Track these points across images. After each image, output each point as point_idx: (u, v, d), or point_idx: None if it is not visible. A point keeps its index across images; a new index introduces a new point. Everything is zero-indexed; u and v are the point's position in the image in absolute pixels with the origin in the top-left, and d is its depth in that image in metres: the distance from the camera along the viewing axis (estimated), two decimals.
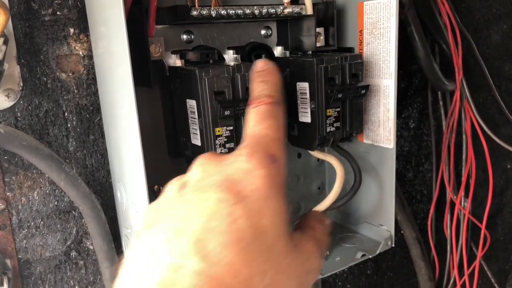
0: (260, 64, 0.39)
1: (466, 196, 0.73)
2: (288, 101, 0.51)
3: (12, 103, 0.44)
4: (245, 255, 0.24)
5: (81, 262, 0.50)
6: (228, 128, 0.43)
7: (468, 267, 0.75)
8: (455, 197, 0.72)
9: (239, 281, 0.23)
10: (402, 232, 0.74)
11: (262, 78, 0.38)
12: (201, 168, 0.28)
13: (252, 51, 0.53)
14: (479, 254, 0.73)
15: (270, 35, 0.55)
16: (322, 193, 0.64)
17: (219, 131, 0.43)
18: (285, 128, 0.33)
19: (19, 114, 0.45)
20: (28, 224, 0.47)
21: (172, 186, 0.29)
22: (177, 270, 0.23)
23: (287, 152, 0.58)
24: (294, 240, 0.28)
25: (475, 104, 0.71)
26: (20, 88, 0.44)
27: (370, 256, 0.55)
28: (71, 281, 0.50)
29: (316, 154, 0.54)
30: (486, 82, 0.75)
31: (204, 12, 0.46)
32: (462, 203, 0.74)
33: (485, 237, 0.73)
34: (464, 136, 0.71)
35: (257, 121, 0.32)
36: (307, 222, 0.34)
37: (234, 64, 0.44)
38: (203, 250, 0.23)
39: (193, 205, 0.26)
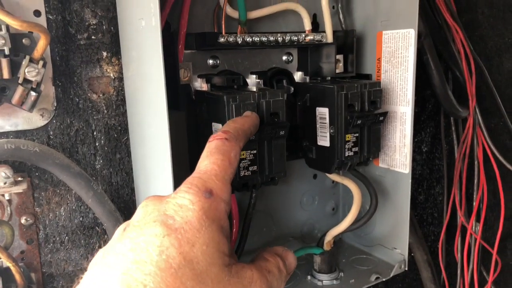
0: (245, 113, 0.43)
1: (478, 220, 0.74)
2: (307, 125, 0.53)
3: (45, 122, 0.46)
4: (172, 281, 0.27)
5: None
6: (252, 152, 0.44)
7: None
8: (466, 221, 0.72)
9: None
10: (413, 254, 0.75)
11: (233, 119, 0.41)
12: (143, 209, 0.31)
13: (273, 76, 0.55)
14: (490, 278, 0.74)
15: (291, 61, 0.57)
16: (336, 214, 0.65)
17: (243, 154, 0.44)
18: (236, 164, 0.34)
19: (51, 132, 0.46)
20: (54, 239, 0.49)
21: (119, 229, 0.32)
22: None
23: (304, 173, 0.60)
24: (234, 269, 0.30)
25: (486, 130, 0.72)
26: (54, 108, 0.46)
27: (384, 279, 0.56)
28: None
29: (334, 177, 0.55)
30: (497, 108, 0.77)
31: (231, 39, 0.48)
32: (474, 228, 0.74)
33: (497, 262, 0.73)
34: (476, 162, 0.72)
35: (206, 155, 0.34)
36: (261, 255, 0.36)
37: (259, 90, 0.46)
38: (128, 280, 0.26)
39: (129, 241, 0.28)
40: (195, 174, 0.32)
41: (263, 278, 0.33)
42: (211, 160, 0.33)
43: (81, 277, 0.29)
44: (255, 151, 0.45)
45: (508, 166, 0.68)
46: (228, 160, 0.33)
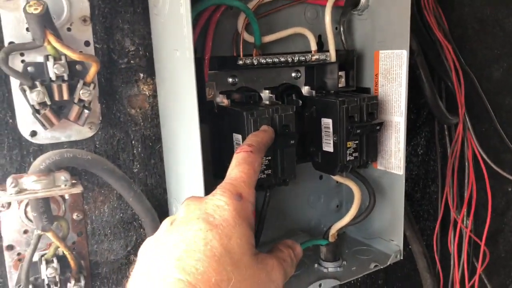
0: (263, 127, 0.50)
1: (468, 215, 0.82)
2: (314, 133, 0.61)
3: (93, 133, 0.55)
4: (216, 266, 0.33)
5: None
6: (267, 158, 0.52)
7: (469, 281, 0.83)
8: (457, 216, 0.80)
9: (210, 285, 0.32)
10: (410, 247, 0.83)
11: (254, 133, 0.49)
12: (186, 208, 0.38)
13: (284, 91, 0.62)
14: (479, 269, 0.82)
15: (299, 77, 0.64)
16: (340, 211, 0.73)
17: None
18: (258, 171, 0.42)
19: (97, 142, 0.55)
20: (99, 232, 0.57)
21: (165, 223, 0.39)
22: (164, 279, 0.32)
23: (311, 175, 0.68)
24: (260, 257, 0.38)
25: (477, 134, 0.80)
26: (100, 122, 0.55)
27: (382, 267, 0.64)
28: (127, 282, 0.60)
29: (337, 178, 0.63)
30: (487, 114, 0.84)
31: (248, 62, 0.56)
32: (465, 222, 0.82)
33: (485, 254, 0.81)
34: (466, 163, 0.79)
35: (235, 165, 0.41)
36: (276, 246, 0.44)
37: (272, 105, 0.54)
38: (182, 265, 0.32)
39: (178, 234, 0.35)
40: (227, 180, 0.40)
41: (280, 265, 0.40)
42: (240, 169, 0.41)
43: (135, 261, 0.37)
44: (269, 157, 0.52)
45: (494, 166, 0.75)
46: (253, 169, 0.41)
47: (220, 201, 0.37)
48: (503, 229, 1.00)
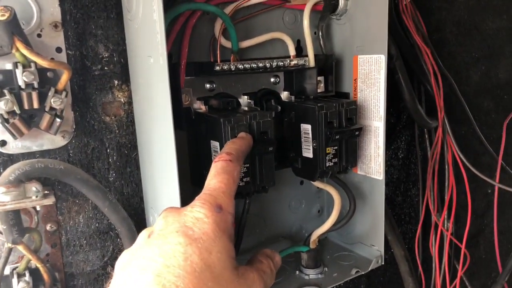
0: (240, 134, 0.49)
1: (449, 218, 0.82)
2: (293, 139, 0.60)
3: (66, 142, 0.53)
4: (197, 282, 0.32)
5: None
6: (245, 165, 0.52)
7: (451, 283, 0.84)
8: (438, 219, 0.81)
9: None
10: (392, 250, 0.83)
11: (232, 140, 0.48)
12: (163, 220, 0.36)
13: (263, 96, 0.62)
14: (460, 271, 0.82)
15: (278, 82, 0.64)
16: (321, 216, 0.73)
17: None
18: (238, 180, 0.41)
19: (71, 151, 0.54)
20: (74, 243, 0.56)
21: (142, 235, 0.37)
22: None
23: (292, 181, 0.67)
24: (240, 271, 0.37)
25: (456, 136, 0.80)
26: (73, 130, 0.53)
27: (363, 273, 0.64)
28: None
29: (317, 184, 0.63)
30: (467, 117, 0.85)
31: (225, 67, 0.55)
32: (445, 225, 0.83)
33: (466, 256, 0.82)
34: (446, 166, 0.80)
35: (214, 175, 0.40)
36: (256, 257, 0.43)
37: (250, 111, 0.53)
38: (163, 281, 0.31)
39: (157, 248, 0.34)
40: (206, 191, 0.38)
41: (261, 278, 0.40)
42: (218, 179, 0.39)
43: (111, 275, 0.36)
44: (248, 165, 0.52)
45: (473, 170, 0.76)
46: (232, 179, 0.40)
47: (199, 213, 0.36)
48: (484, 230, 1.01)
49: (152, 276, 0.32)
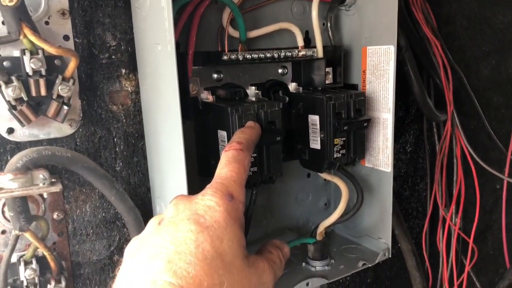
0: (249, 123, 0.49)
1: (457, 213, 0.82)
2: (301, 130, 0.60)
3: (73, 131, 0.53)
4: (208, 270, 0.32)
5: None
6: (252, 155, 0.51)
7: (458, 278, 0.83)
8: (446, 214, 0.80)
9: None
10: (399, 245, 0.82)
11: (242, 130, 0.47)
12: (174, 207, 0.36)
13: (270, 87, 0.61)
14: (467, 266, 0.81)
15: (286, 73, 0.63)
16: (328, 209, 0.72)
17: None
18: (248, 170, 0.41)
19: (78, 140, 0.53)
20: (81, 232, 0.56)
21: (152, 222, 0.37)
22: (155, 282, 0.31)
23: (299, 173, 0.67)
24: (251, 260, 0.37)
25: (466, 131, 0.79)
26: (80, 118, 0.53)
27: (370, 265, 0.63)
28: (112, 282, 0.59)
29: (324, 175, 0.62)
30: (476, 111, 0.84)
31: (233, 57, 0.54)
32: (453, 220, 0.82)
33: (473, 251, 0.81)
34: (455, 160, 0.79)
35: (225, 164, 0.40)
36: (266, 247, 0.43)
37: (258, 101, 0.53)
38: (174, 267, 0.31)
39: (168, 236, 0.33)
40: (217, 179, 0.38)
41: (271, 268, 0.39)
42: (230, 168, 0.39)
43: (121, 261, 0.35)
44: (255, 155, 0.51)
45: (483, 164, 0.75)
46: (243, 168, 0.40)
47: (211, 202, 0.36)
48: (492, 226, 1.00)
49: (163, 262, 0.31)
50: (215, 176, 0.39)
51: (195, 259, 0.32)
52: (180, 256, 0.32)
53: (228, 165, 0.40)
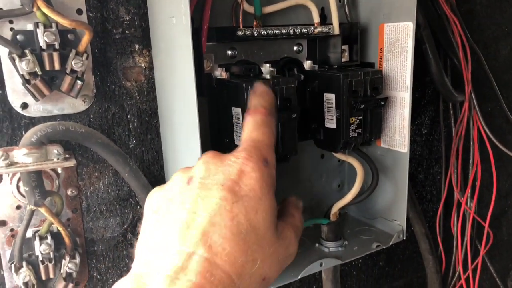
0: (261, 87, 0.45)
1: (472, 197, 0.80)
2: (316, 109, 0.59)
3: (86, 107, 0.53)
4: (242, 246, 0.30)
5: (135, 243, 0.58)
6: None
7: (472, 263, 0.82)
8: (461, 198, 0.79)
9: (236, 267, 0.30)
10: (412, 228, 0.81)
11: (260, 94, 0.44)
12: (205, 166, 0.33)
13: (285, 65, 0.60)
14: (482, 251, 0.80)
15: (301, 51, 0.62)
16: (342, 190, 0.72)
17: None
18: (275, 134, 0.38)
19: (91, 116, 0.53)
20: (94, 209, 0.56)
21: (179, 177, 0.33)
22: (190, 256, 0.29)
23: (313, 153, 0.66)
24: (279, 229, 0.34)
25: (483, 113, 0.78)
26: (94, 95, 0.53)
27: (384, 247, 0.63)
28: (126, 259, 0.59)
29: (339, 155, 0.62)
30: (494, 93, 0.82)
31: (248, 33, 0.53)
32: (468, 204, 0.81)
33: (488, 236, 0.80)
34: (471, 143, 0.78)
35: (254, 127, 0.37)
36: (287, 208, 0.40)
37: (273, 78, 0.52)
38: (209, 241, 0.29)
39: (200, 200, 0.31)
40: (250, 143, 0.35)
41: (296, 237, 0.38)
42: (261, 131, 0.36)
43: (137, 235, 0.33)
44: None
45: (501, 147, 0.73)
46: (272, 133, 0.37)
47: (246, 166, 0.33)
48: (507, 211, 0.99)
49: (197, 233, 0.29)
50: (244, 139, 0.36)
51: (230, 234, 0.30)
52: (215, 228, 0.30)
53: (259, 129, 0.37)
